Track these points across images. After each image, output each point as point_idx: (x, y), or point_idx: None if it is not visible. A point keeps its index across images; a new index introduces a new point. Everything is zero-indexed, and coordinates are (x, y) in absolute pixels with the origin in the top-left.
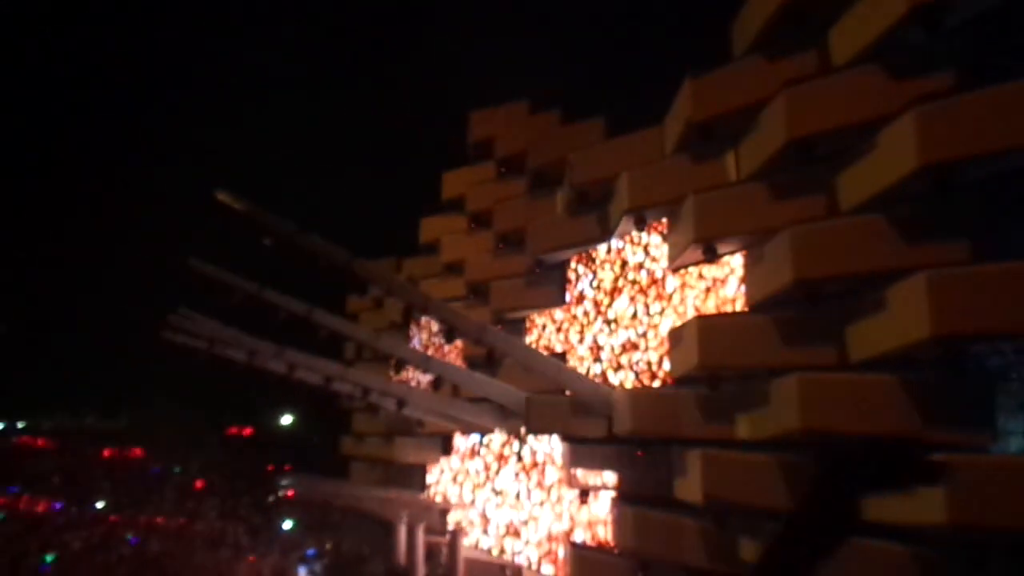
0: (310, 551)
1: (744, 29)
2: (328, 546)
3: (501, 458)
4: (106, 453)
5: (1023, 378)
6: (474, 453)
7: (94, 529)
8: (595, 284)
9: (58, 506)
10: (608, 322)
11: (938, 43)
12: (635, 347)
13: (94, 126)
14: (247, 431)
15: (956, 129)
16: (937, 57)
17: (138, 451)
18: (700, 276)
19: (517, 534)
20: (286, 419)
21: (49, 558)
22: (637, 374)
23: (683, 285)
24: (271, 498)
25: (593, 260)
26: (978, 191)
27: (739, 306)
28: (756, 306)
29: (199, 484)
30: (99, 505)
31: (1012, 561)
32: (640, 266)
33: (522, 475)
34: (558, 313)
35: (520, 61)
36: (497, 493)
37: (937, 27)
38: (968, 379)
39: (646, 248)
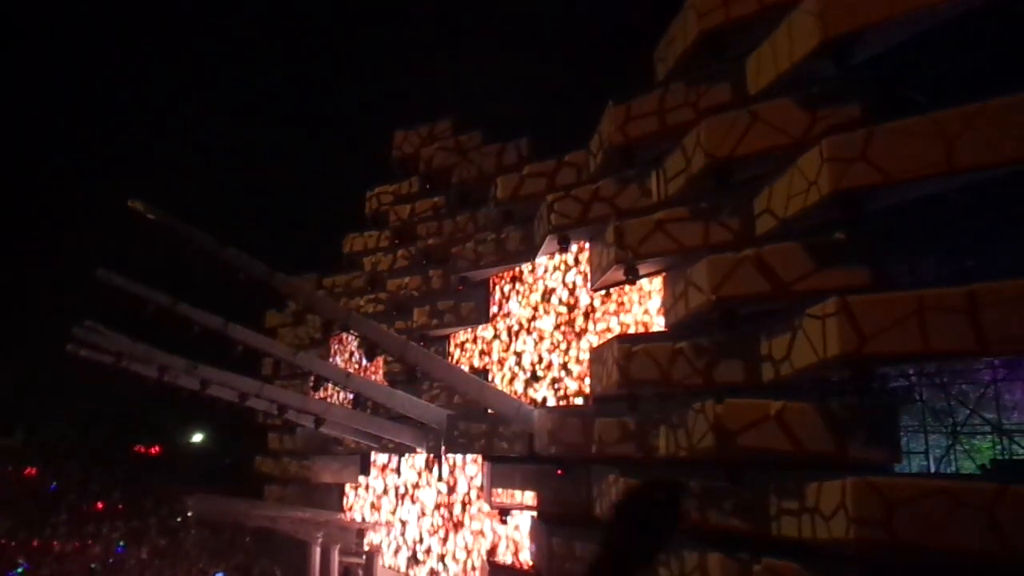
0: (218, 574)
1: (665, 57)
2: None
3: (421, 477)
4: None
5: (925, 400)
6: (393, 472)
7: None
8: (518, 303)
9: None
10: (530, 340)
11: (847, 76)
12: (557, 366)
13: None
14: (154, 449)
15: (864, 159)
16: (847, 90)
17: (32, 470)
18: (621, 296)
19: (435, 554)
20: (197, 437)
21: None
22: (558, 393)
23: (605, 305)
24: (179, 519)
25: (516, 279)
26: (885, 219)
27: (659, 326)
28: (675, 326)
29: (100, 505)
30: None
31: None
32: (563, 285)
33: (442, 494)
34: (481, 331)
35: (446, 82)
36: (416, 512)
37: (846, 61)
38: (874, 401)
39: (569, 268)
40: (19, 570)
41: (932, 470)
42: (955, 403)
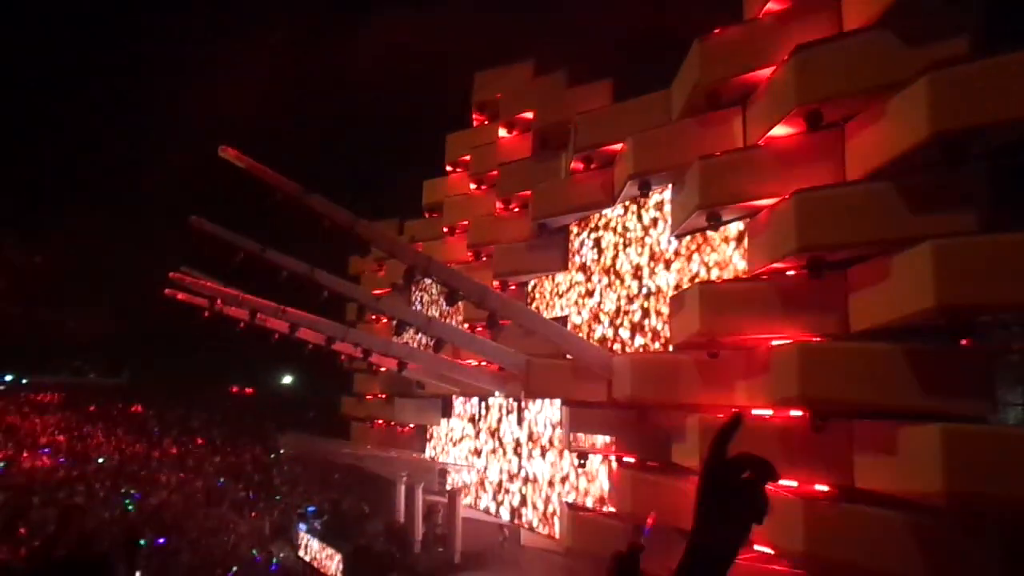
0: (310, 508)
1: None
2: (327, 504)
3: (501, 420)
4: (107, 408)
5: None
6: (474, 415)
7: (95, 484)
8: (598, 248)
9: (60, 461)
10: (610, 286)
11: (952, 8)
12: (636, 312)
13: (99, 83)
14: (248, 390)
15: (969, 97)
16: (951, 23)
17: (138, 407)
18: (704, 242)
19: (515, 496)
20: (287, 379)
21: None
22: (637, 339)
23: (687, 251)
24: (272, 456)
25: (597, 224)
26: (989, 160)
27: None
28: (759, 273)
29: (200, 441)
30: (100, 460)
31: (1007, 531)
32: (644, 231)
33: (522, 437)
34: (560, 277)
35: (527, 21)
36: (496, 455)
37: None
38: (969, 350)
39: (650, 213)
40: (129, 503)
41: None
42: None
